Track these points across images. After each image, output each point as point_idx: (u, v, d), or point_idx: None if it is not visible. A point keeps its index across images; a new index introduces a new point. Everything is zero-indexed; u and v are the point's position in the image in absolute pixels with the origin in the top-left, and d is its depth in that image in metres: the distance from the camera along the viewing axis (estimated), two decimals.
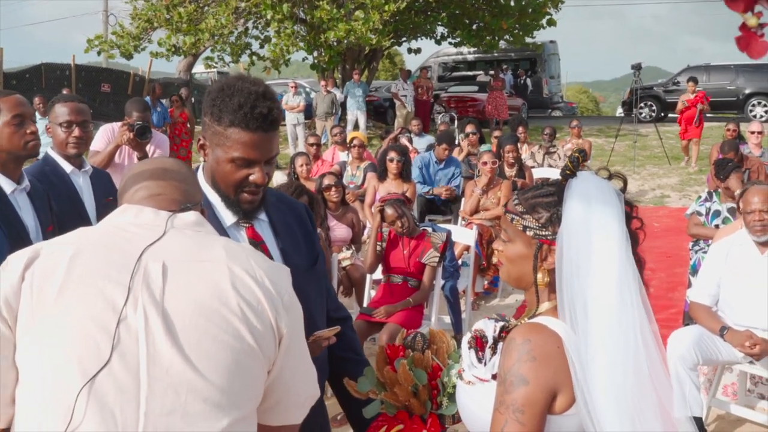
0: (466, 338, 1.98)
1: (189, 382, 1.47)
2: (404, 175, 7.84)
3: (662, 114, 22.66)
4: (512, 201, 1.96)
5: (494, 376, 1.84)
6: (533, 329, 1.78)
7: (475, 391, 1.90)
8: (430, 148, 10.82)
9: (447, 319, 6.14)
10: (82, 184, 4.00)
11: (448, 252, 5.87)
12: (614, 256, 1.75)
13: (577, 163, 1.87)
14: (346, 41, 16.77)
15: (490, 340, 1.92)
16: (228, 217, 2.21)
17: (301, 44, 17.95)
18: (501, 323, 1.94)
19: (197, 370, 1.48)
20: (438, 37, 21.69)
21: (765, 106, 21.92)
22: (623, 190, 1.89)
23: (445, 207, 8.91)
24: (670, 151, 16.68)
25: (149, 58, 19.79)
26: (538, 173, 9.98)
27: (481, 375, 1.89)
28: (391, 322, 5.14)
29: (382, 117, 22.72)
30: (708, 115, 23.19)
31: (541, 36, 22.11)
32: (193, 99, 21.00)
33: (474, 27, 20.43)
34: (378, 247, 5.57)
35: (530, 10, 19.66)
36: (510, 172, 9.03)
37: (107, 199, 4.03)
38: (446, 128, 13.42)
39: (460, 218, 8.13)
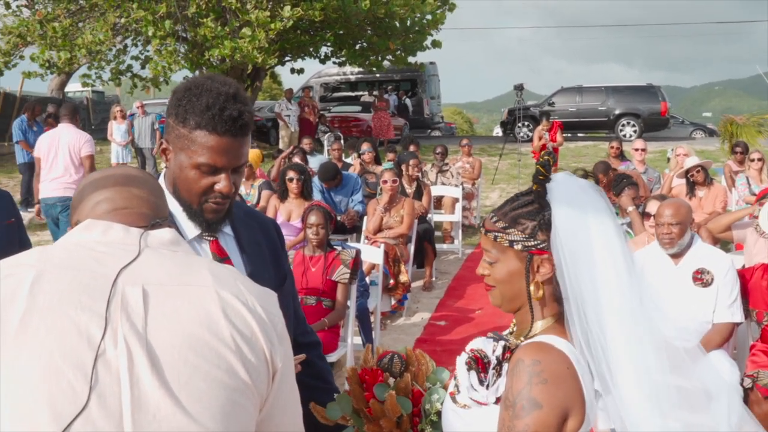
0: (463, 358, 1.85)
1: (180, 427, 1.25)
2: (305, 193, 7.66)
3: None
4: (489, 219, 1.86)
5: (497, 400, 1.73)
6: (541, 349, 1.68)
7: (470, 416, 1.77)
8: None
9: (357, 339, 6.01)
10: None
11: (358, 271, 5.76)
12: (617, 252, 1.71)
13: (548, 166, 1.80)
14: (231, 59, 16.42)
15: (493, 361, 1.80)
16: (190, 230, 2.02)
17: (184, 62, 17.45)
18: (502, 342, 1.83)
19: (188, 413, 1.26)
20: (322, 57, 21.62)
21: (634, 126, 23.03)
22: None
23: (344, 226, 8.77)
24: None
25: (21, 76, 18.73)
26: (432, 191, 9.99)
27: (481, 398, 1.76)
28: None
29: (264, 137, 22.42)
30: (580, 134, 24.28)
31: (421, 57, 22.41)
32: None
33: (358, 47, 20.46)
34: None
35: (412, 32, 19.85)
36: (410, 189, 9.00)
37: (8, 220, 3.69)
38: (328, 156, 13.11)
39: (363, 237, 8.02)
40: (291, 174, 7.67)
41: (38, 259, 1.37)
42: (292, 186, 7.61)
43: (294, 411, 1.54)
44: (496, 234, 1.81)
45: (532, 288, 1.77)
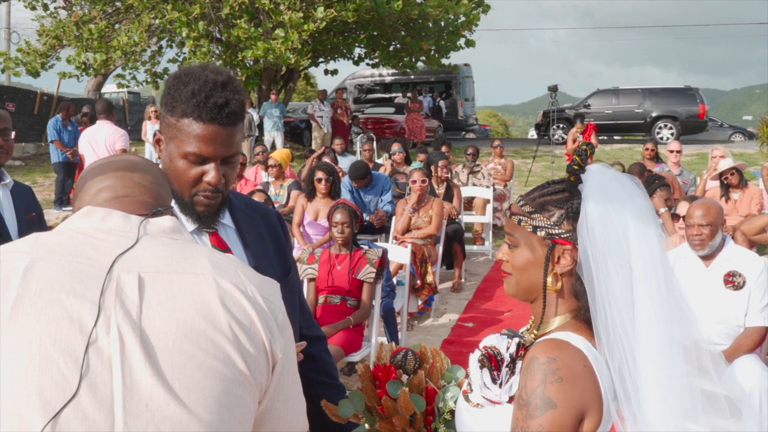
0: (476, 356, 1.78)
1: (173, 417, 1.22)
2: (333, 194, 7.61)
3: None
4: (517, 203, 1.79)
5: (510, 399, 1.66)
6: (557, 346, 1.60)
7: (484, 415, 1.71)
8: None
9: (382, 339, 5.96)
10: (2, 199, 3.64)
11: (384, 271, 5.71)
12: (655, 249, 1.61)
13: (585, 156, 1.70)
14: (264, 60, 16.49)
15: (507, 358, 1.73)
16: (185, 223, 1.97)
17: (217, 63, 17.57)
18: (516, 339, 1.76)
19: (182, 402, 1.23)
20: (356, 58, 21.63)
21: (671, 128, 22.66)
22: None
23: (373, 226, 8.73)
24: None
25: (57, 77, 19.00)
26: (463, 192, 9.92)
27: (493, 397, 1.69)
28: (331, 344, 4.92)
29: (298, 138, 22.49)
30: (616, 137, 23.98)
31: (455, 58, 22.32)
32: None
33: (392, 48, 20.45)
34: (311, 271, 5.37)
35: (446, 33, 19.78)
36: (440, 189, 8.94)
37: (29, 215, 3.71)
38: (360, 154, 13.16)
39: (391, 237, 7.98)
40: (319, 174, 7.63)
41: (33, 245, 1.34)
42: (320, 186, 7.57)
43: (296, 404, 1.50)
44: (521, 218, 1.74)
45: (549, 279, 1.69)
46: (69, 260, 1.30)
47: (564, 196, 1.71)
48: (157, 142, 1.99)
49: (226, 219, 2.08)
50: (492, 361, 1.74)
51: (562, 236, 1.69)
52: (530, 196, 1.77)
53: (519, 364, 1.68)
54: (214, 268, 1.37)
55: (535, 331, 1.73)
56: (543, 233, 1.70)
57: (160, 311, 1.28)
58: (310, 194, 7.72)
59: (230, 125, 1.90)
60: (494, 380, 1.71)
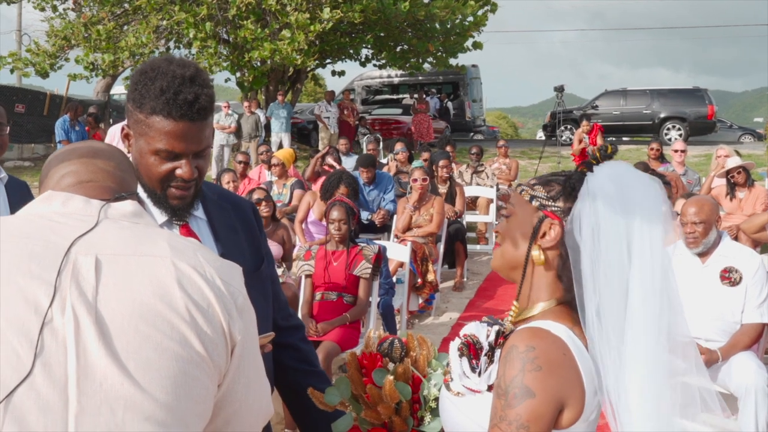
0: (456, 344, 1.77)
1: (127, 397, 1.22)
2: None
3: None
4: (529, 179, 1.79)
5: (490, 387, 1.65)
6: (536, 335, 1.57)
7: (465, 404, 1.70)
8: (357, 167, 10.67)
9: None
10: None
11: (383, 268, 5.71)
12: (656, 247, 1.57)
13: (605, 153, 1.67)
14: (271, 61, 16.52)
15: (486, 347, 1.71)
16: (158, 215, 1.97)
17: (225, 64, 17.63)
18: (496, 327, 1.74)
19: (137, 383, 1.23)
20: (362, 59, 21.64)
21: (679, 129, 22.51)
22: None
23: (375, 225, 8.73)
24: None
25: (67, 78, 19.09)
26: (467, 192, 9.92)
27: (473, 386, 1.68)
28: (327, 340, 4.93)
29: (306, 139, 22.50)
30: (624, 138, 23.88)
31: (463, 59, 22.29)
32: (111, 120, 20.44)
33: (399, 49, 20.45)
34: (307, 267, 5.38)
35: (453, 35, 19.76)
36: (443, 188, 8.93)
37: None
38: (366, 152, 13.26)
39: (392, 235, 7.98)
40: (342, 189, 7.34)
41: None
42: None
43: (259, 387, 1.50)
44: (524, 188, 1.74)
45: (535, 252, 1.66)
46: (26, 242, 1.32)
47: (569, 178, 1.70)
48: (125, 137, 1.97)
49: (198, 211, 2.08)
50: (471, 350, 1.73)
51: (553, 210, 1.67)
52: (542, 175, 1.78)
53: (498, 352, 1.67)
54: (173, 251, 1.38)
55: (512, 315, 1.72)
56: (537, 203, 1.69)
57: (116, 292, 1.28)
58: (326, 196, 7.56)
59: (200, 120, 1.88)
60: (473, 369, 1.70)
